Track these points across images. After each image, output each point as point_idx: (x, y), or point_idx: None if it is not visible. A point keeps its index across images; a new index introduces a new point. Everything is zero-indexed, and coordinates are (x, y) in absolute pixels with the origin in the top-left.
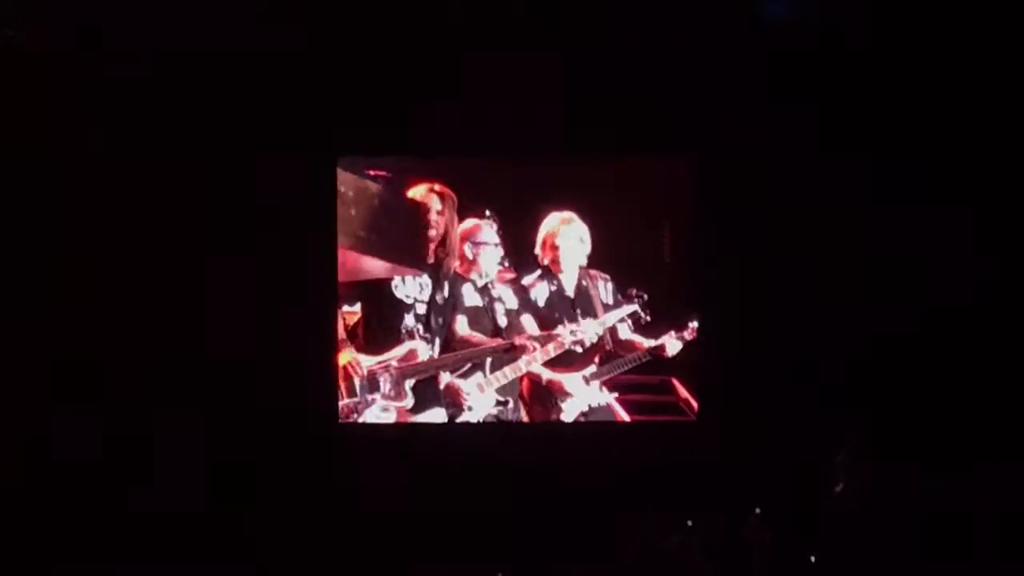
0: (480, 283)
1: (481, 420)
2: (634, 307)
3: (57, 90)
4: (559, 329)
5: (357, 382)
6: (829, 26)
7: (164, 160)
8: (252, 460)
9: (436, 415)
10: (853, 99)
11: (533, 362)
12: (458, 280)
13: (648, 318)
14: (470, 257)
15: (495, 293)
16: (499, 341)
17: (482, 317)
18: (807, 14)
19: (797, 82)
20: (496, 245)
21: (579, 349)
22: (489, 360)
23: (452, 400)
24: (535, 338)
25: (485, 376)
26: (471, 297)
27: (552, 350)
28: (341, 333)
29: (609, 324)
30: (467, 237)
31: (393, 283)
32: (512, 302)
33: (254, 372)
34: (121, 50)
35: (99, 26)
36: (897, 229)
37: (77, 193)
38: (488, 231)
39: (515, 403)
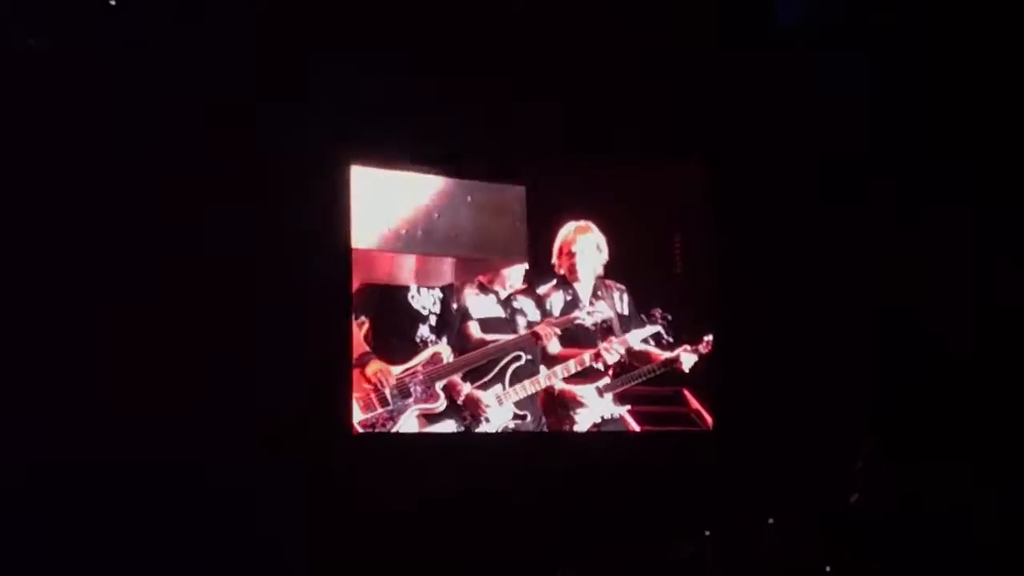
0: (503, 295)
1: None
2: (657, 328)
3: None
4: (576, 312)
5: (388, 392)
6: (871, 26)
7: (171, 160)
8: (261, 467)
9: (446, 427)
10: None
11: (553, 377)
12: (480, 290)
13: (671, 339)
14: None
15: (517, 305)
16: (520, 334)
17: (503, 329)
18: (823, 17)
19: (812, 85)
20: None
21: (600, 366)
22: (509, 374)
23: (472, 411)
24: (552, 323)
25: (504, 388)
26: (492, 308)
27: (573, 367)
28: (365, 344)
29: (632, 343)
30: None
31: (410, 294)
32: (534, 314)
33: (264, 380)
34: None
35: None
36: (923, 233)
37: (78, 191)
38: None
39: (533, 418)
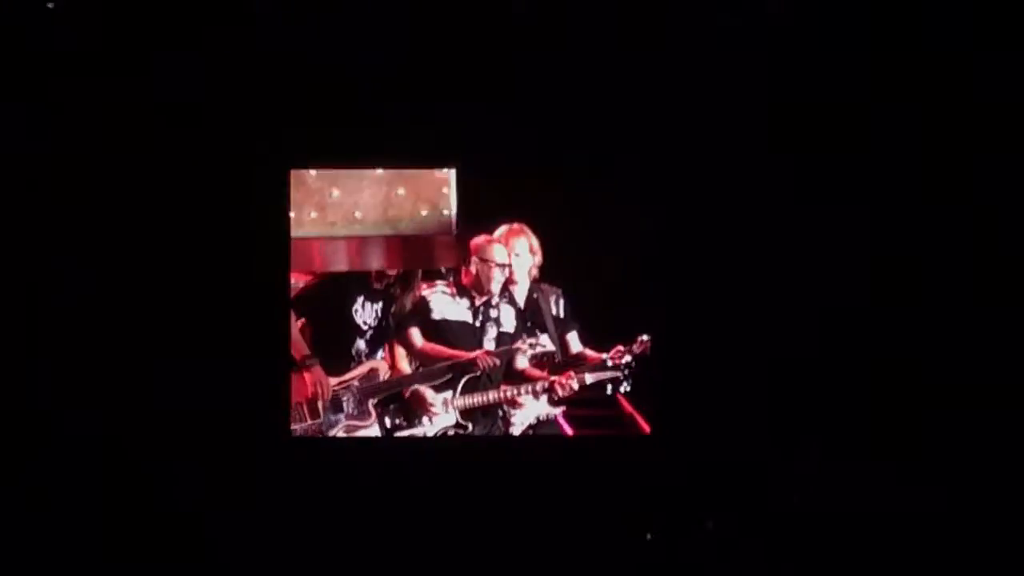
0: (478, 301)
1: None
2: (617, 375)
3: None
4: (519, 343)
5: (320, 404)
6: (777, 28)
7: (113, 163)
8: (197, 469)
9: (371, 431)
10: (798, 101)
11: (503, 394)
12: (456, 292)
13: (628, 388)
14: (474, 272)
15: (492, 313)
16: (461, 354)
17: (467, 334)
18: (759, 19)
19: (742, 87)
20: (503, 267)
21: (560, 394)
22: (462, 384)
23: (418, 408)
24: (492, 353)
25: (455, 395)
26: (461, 313)
27: (523, 391)
28: (305, 350)
29: (588, 382)
30: (476, 252)
31: (354, 308)
32: (510, 324)
33: (201, 380)
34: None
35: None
36: (850, 232)
37: (17, 188)
38: (501, 251)
39: (480, 429)
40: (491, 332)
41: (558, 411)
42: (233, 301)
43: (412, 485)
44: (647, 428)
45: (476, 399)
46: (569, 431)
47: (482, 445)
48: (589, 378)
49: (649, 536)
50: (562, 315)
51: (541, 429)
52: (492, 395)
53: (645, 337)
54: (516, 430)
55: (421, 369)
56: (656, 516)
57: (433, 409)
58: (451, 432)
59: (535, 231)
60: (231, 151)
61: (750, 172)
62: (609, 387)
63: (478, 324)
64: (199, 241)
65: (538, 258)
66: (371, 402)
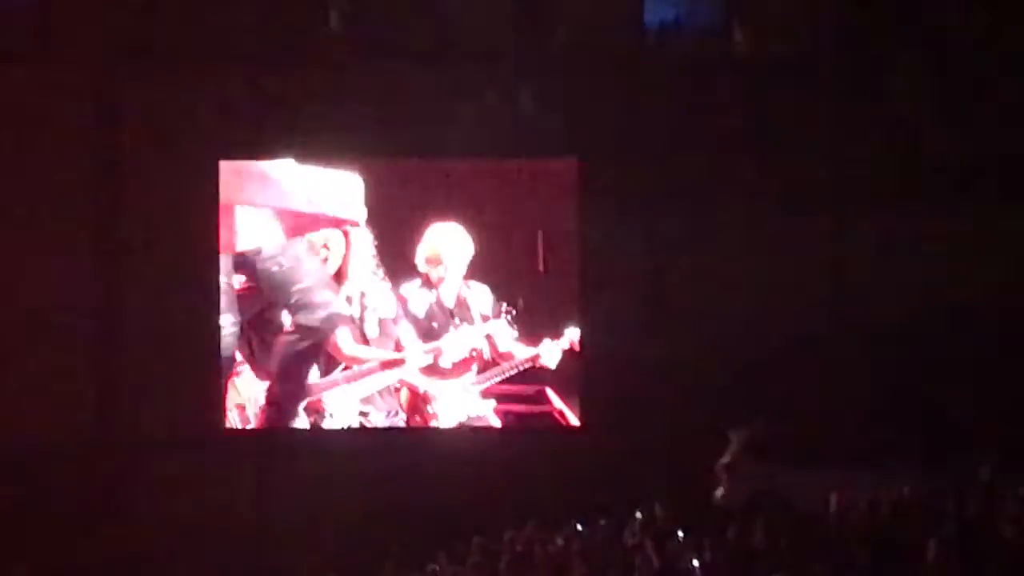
0: (352, 291)
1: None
2: (500, 322)
3: None
4: (443, 341)
5: (252, 412)
6: (715, 29)
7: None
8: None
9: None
10: (736, 104)
11: (400, 374)
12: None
13: (515, 331)
14: (340, 260)
15: (367, 302)
16: (390, 354)
17: (346, 323)
18: (690, 19)
19: (682, 88)
20: (367, 254)
21: (448, 366)
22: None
23: (314, 406)
24: (421, 351)
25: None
26: (340, 304)
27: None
28: (240, 356)
29: (476, 336)
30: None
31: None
32: (388, 311)
33: (134, 377)
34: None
35: None
36: (781, 232)
37: None
38: (361, 236)
39: (382, 411)
40: (371, 319)
41: (490, 406)
42: (166, 298)
43: (343, 476)
44: (576, 422)
45: (371, 384)
46: (499, 425)
47: (413, 438)
48: (476, 331)
49: (579, 527)
50: (490, 313)
51: (473, 424)
52: (385, 377)
53: (570, 331)
54: (447, 425)
55: (349, 371)
56: (585, 506)
57: (328, 405)
58: (355, 421)
59: (467, 228)
60: (162, 144)
61: (679, 173)
62: (499, 335)
63: (357, 313)
64: (128, 233)
65: (469, 257)
66: (301, 405)
